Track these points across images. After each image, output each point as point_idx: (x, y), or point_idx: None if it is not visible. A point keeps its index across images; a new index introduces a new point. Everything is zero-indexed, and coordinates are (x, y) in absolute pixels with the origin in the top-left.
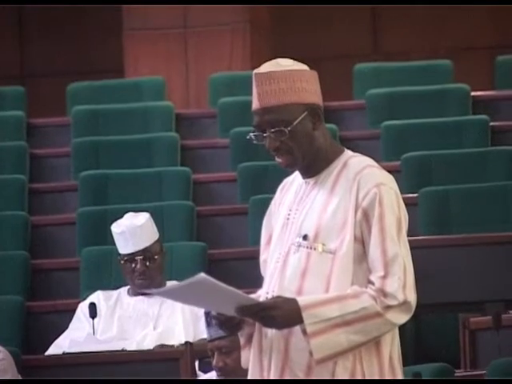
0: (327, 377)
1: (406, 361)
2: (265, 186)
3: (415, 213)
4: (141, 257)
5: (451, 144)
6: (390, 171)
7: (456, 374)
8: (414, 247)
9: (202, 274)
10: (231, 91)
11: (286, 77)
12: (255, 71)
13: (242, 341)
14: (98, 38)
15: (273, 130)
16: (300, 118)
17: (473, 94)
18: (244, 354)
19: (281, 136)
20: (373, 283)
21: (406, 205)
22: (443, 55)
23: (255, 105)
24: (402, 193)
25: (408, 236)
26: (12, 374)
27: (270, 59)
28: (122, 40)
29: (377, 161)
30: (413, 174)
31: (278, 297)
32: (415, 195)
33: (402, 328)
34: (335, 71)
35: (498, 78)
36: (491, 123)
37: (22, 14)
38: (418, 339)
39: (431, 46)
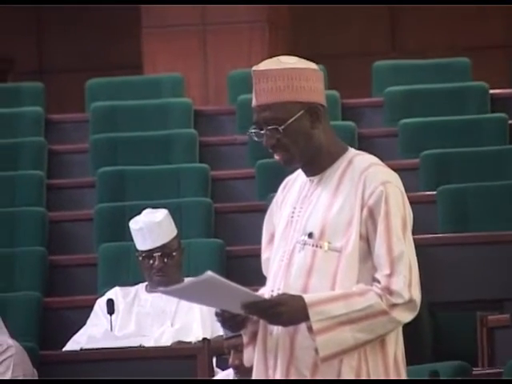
0: (333, 375)
1: (425, 359)
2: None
3: (433, 210)
4: (159, 253)
5: (469, 142)
6: (407, 169)
7: (473, 372)
8: (432, 245)
9: (210, 272)
10: (250, 88)
11: (284, 75)
12: (254, 68)
13: (245, 339)
14: (117, 35)
15: (268, 128)
16: (296, 116)
17: (491, 92)
18: (247, 353)
19: (276, 134)
20: (378, 281)
21: (424, 203)
22: (460, 53)
23: (253, 102)
24: (419, 191)
25: (426, 234)
26: (23, 368)
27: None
28: (140, 37)
29: (394, 158)
30: (431, 171)
31: (284, 294)
32: (433, 193)
33: (419, 326)
34: (354, 69)
35: None
36: (510, 121)
37: (41, 10)
38: (436, 337)
39: (449, 44)
